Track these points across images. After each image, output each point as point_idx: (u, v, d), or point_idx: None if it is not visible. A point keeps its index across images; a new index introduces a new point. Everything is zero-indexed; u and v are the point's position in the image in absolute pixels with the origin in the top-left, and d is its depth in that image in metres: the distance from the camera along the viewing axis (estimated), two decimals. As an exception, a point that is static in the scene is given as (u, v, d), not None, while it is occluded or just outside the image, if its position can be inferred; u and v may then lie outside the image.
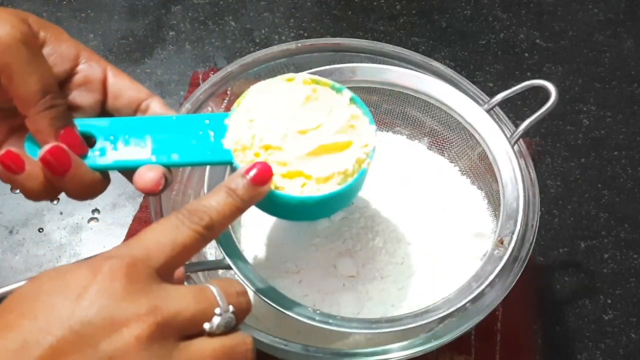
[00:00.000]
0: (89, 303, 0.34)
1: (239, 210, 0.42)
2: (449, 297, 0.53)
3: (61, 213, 0.71)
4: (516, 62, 0.88)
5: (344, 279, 0.59)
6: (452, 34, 0.91)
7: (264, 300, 0.49)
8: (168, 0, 0.93)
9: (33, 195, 0.45)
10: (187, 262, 0.41)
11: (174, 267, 0.39)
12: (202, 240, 0.40)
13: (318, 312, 0.50)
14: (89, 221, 0.71)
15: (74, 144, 0.46)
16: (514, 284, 0.53)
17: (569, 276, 0.70)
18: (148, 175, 0.46)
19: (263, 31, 0.90)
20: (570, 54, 0.89)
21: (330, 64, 0.62)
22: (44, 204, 0.70)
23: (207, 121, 0.49)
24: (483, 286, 0.52)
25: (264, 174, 0.44)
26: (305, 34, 0.90)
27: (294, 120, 0.49)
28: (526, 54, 0.89)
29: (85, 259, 0.39)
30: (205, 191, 0.55)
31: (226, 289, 0.38)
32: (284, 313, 0.49)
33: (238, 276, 0.50)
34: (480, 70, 0.87)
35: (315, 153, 0.48)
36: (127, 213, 0.71)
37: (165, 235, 0.38)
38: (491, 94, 0.62)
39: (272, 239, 0.61)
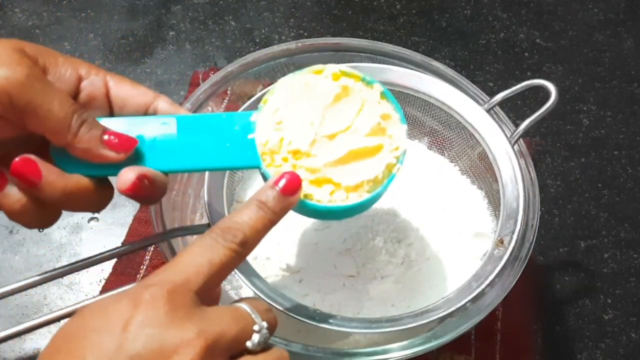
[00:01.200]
0: (135, 335, 0.34)
1: (272, 222, 0.42)
2: (449, 297, 0.53)
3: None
4: (516, 61, 0.89)
5: (344, 279, 0.59)
6: (452, 34, 0.91)
7: (264, 300, 0.49)
8: (168, 0, 0.93)
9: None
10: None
11: (212, 288, 0.39)
12: (237, 257, 0.40)
13: (318, 311, 0.50)
14: (89, 221, 0.71)
15: (127, 143, 0.45)
16: (514, 283, 0.53)
17: (569, 276, 0.70)
18: (128, 177, 0.44)
19: (263, 31, 0.91)
20: (571, 53, 0.90)
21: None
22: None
23: (235, 125, 0.47)
24: (483, 286, 0.52)
25: (294, 183, 0.43)
26: (305, 34, 0.90)
27: (323, 122, 0.47)
28: (526, 54, 0.90)
29: (124, 289, 0.40)
30: (206, 192, 0.55)
31: (256, 306, 0.39)
32: (284, 313, 0.49)
33: (237, 275, 0.50)
34: (480, 69, 0.87)
35: (345, 160, 0.47)
36: (127, 213, 0.71)
37: (202, 256, 0.38)
38: (491, 94, 0.62)
39: (272, 238, 0.61)
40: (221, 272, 0.39)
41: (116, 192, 0.71)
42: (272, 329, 0.39)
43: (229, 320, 0.37)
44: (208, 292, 0.38)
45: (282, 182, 0.43)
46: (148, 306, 0.35)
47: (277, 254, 0.60)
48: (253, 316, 0.38)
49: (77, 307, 0.47)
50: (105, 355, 0.33)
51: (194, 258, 0.38)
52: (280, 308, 0.49)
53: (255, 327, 0.38)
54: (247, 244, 0.40)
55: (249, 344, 0.37)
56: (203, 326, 0.35)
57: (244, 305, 0.39)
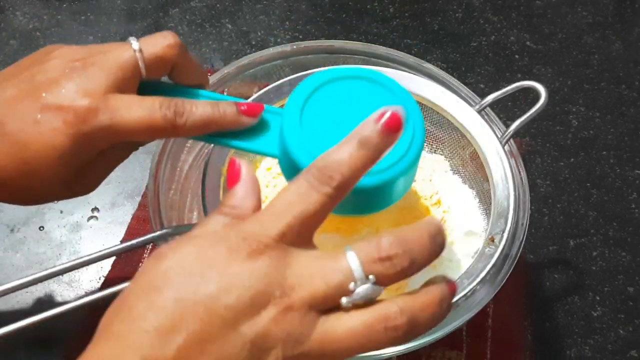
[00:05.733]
0: (226, 285, 0.33)
1: (372, 162, 0.38)
2: (441, 294, 0.53)
3: (61, 212, 0.71)
4: (507, 63, 0.89)
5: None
6: (444, 37, 0.92)
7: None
8: (166, 3, 0.94)
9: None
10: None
11: (307, 236, 0.37)
12: (331, 203, 0.37)
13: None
14: (88, 219, 0.71)
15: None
16: (504, 281, 0.54)
17: (559, 273, 0.71)
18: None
19: (259, 33, 0.91)
20: (560, 55, 0.90)
21: (324, 66, 0.63)
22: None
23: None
24: (474, 283, 0.53)
25: (397, 119, 0.38)
26: (300, 36, 0.91)
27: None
28: (516, 56, 0.90)
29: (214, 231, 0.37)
30: (205, 192, 0.56)
31: (367, 254, 0.35)
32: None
33: None
34: (471, 71, 0.88)
35: None
36: (126, 212, 0.71)
37: (296, 206, 0.36)
38: (482, 95, 0.63)
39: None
40: (316, 221, 0.37)
41: (115, 192, 0.72)
42: (387, 279, 0.35)
43: (319, 275, 0.35)
44: (299, 238, 0.36)
45: (385, 117, 0.38)
46: (233, 256, 0.34)
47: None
48: (353, 269, 0.35)
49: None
50: (194, 304, 0.33)
51: (288, 208, 0.36)
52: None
53: (351, 286, 0.34)
54: (343, 186, 0.37)
55: (343, 300, 0.35)
56: (289, 280, 0.34)
57: (348, 253, 0.35)
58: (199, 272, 0.34)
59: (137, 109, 0.46)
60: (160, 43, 0.49)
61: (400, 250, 0.35)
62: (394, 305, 0.35)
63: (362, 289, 0.34)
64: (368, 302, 0.35)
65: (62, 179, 0.47)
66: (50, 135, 0.45)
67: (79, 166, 0.48)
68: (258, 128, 0.51)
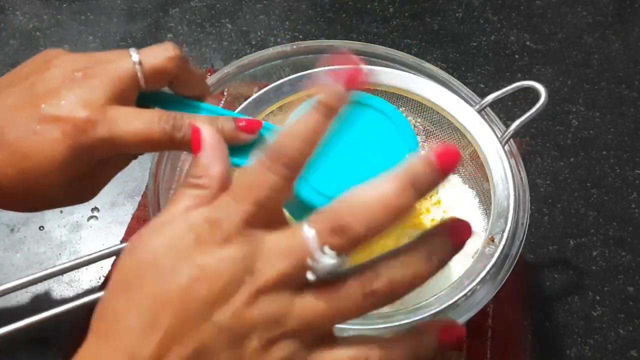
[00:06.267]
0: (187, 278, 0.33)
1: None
2: (441, 294, 0.53)
3: (61, 211, 0.71)
4: (507, 63, 0.89)
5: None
6: (444, 36, 0.92)
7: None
8: (166, 3, 0.94)
9: None
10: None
11: (270, 215, 0.36)
12: (288, 185, 0.36)
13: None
14: (88, 219, 0.71)
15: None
16: (504, 281, 0.54)
17: (559, 273, 0.71)
18: None
19: (259, 33, 0.91)
20: (560, 55, 0.90)
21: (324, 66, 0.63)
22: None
23: None
24: (474, 283, 0.53)
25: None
26: (300, 36, 0.91)
27: None
28: (516, 56, 0.90)
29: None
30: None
31: (322, 225, 0.34)
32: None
33: None
34: (471, 71, 0.88)
35: None
36: (126, 212, 0.72)
37: (253, 189, 0.35)
38: (482, 95, 0.63)
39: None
40: (278, 202, 0.36)
41: (115, 192, 0.72)
42: (345, 246, 0.33)
43: (281, 253, 0.34)
44: (269, 220, 0.36)
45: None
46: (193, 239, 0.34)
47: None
48: (309, 244, 0.33)
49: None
50: (163, 298, 0.33)
51: (249, 191, 0.35)
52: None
53: (308, 261, 0.33)
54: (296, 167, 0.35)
55: (309, 276, 0.34)
56: (253, 262, 0.33)
57: (304, 227, 0.34)
58: (170, 265, 0.34)
59: (135, 122, 0.47)
60: (160, 55, 0.49)
61: (352, 219, 0.33)
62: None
63: (322, 264, 0.33)
64: (336, 276, 0.34)
65: (62, 187, 0.48)
66: (50, 145, 0.46)
67: (78, 175, 0.48)
68: (256, 144, 0.51)
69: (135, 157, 0.54)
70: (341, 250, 0.33)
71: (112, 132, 0.46)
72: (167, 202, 0.44)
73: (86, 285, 0.67)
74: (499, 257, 0.54)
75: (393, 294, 0.35)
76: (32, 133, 0.46)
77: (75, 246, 0.69)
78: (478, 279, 0.53)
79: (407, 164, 0.34)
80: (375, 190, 0.34)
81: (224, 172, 0.37)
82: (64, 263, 0.51)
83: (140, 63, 0.49)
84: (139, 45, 0.49)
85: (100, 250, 0.52)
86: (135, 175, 0.74)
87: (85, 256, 0.52)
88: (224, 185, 0.37)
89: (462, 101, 0.62)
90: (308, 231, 0.34)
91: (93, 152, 0.47)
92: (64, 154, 0.46)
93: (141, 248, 0.35)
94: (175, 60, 0.50)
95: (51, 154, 0.46)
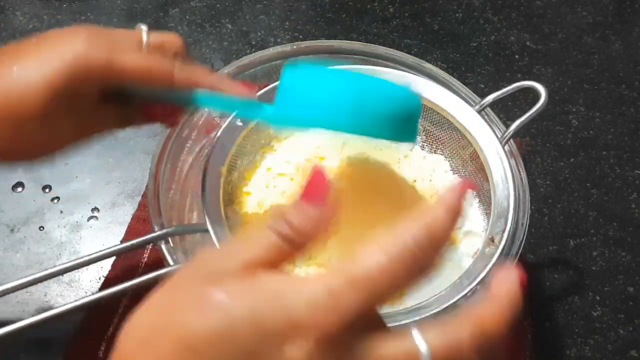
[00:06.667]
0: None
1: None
2: (441, 294, 0.53)
3: (61, 212, 0.71)
4: (507, 63, 0.89)
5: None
6: (444, 36, 0.92)
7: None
8: (166, 3, 0.94)
9: None
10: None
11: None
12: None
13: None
14: (88, 219, 0.71)
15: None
16: (504, 280, 0.54)
17: (559, 273, 0.71)
18: None
19: (259, 33, 0.91)
20: (560, 55, 0.90)
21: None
22: (44, 203, 0.71)
23: None
24: (474, 283, 0.53)
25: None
26: (300, 36, 0.91)
27: None
28: (516, 56, 0.90)
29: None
30: (205, 192, 0.56)
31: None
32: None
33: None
34: (471, 71, 0.88)
35: None
36: (126, 212, 0.71)
37: None
38: (482, 95, 0.63)
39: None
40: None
41: (115, 192, 0.72)
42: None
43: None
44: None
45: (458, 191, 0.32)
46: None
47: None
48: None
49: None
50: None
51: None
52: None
53: None
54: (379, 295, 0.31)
55: None
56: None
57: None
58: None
59: (137, 55, 0.48)
60: (164, 33, 0.52)
61: None
62: None
63: None
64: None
65: (45, 116, 0.46)
66: (47, 60, 0.46)
67: (62, 109, 0.47)
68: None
69: (118, 125, 0.53)
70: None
71: (111, 58, 0.47)
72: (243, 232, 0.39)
73: (86, 285, 0.66)
74: (499, 257, 0.55)
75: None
76: (33, 59, 0.46)
77: (75, 246, 0.69)
78: (478, 279, 0.53)
79: None
80: None
81: (314, 242, 0.33)
82: (64, 263, 0.51)
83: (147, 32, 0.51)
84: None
85: (100, 250, 0.52)
86: (135, 176, 0.74)
87: (85, 256, 0.52)
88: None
89: (462, 101, 0.62)
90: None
91: (89, 77, 0.47)
92: (59, 69, 0.45)
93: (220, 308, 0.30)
94: (177, 36, 0.52)
95: (48, 67, 0.46)
